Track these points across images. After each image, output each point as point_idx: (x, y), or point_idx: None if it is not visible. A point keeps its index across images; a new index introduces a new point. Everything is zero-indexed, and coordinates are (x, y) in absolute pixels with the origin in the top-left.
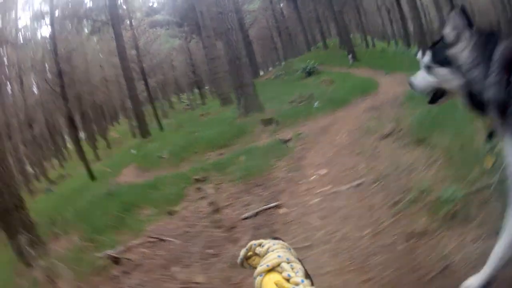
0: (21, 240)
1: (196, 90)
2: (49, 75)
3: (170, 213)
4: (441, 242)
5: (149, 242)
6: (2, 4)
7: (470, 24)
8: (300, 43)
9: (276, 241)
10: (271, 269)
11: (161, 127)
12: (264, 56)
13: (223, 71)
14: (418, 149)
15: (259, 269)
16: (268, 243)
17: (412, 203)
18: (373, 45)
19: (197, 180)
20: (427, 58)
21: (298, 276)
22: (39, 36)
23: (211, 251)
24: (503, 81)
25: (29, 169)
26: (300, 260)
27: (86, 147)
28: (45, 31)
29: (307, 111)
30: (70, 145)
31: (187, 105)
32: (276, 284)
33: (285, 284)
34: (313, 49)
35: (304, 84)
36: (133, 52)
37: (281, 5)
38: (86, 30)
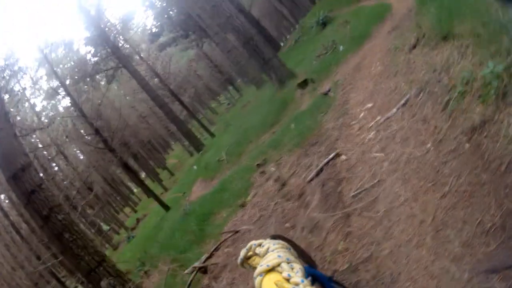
0: (107, 285)
1: (230, 87)
2: (88, 138)
3: (243, 205)
4: (503, 125)
5: (229, 239)
6: (11, 100)
7: None
8: (303, 0)
9: (276, 241)
10: (271, 269)
11: (211, 135)
12: (277, 29)
13: (244, 57)
14: (447, 45)
15: (259, 269)
16: (268, 243)
17: (461, 97)
18: None
19: (259, 165)
20: None
21: (298, 276)
22: (61, 109)
23: (287, 224)
24: None
25: (105, 227)
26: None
27: (151, 184)
28: (64, 102)
29: (335, 58)
30: (136, 188)
31: (228, 104)
32: (276, 284)
33: (285, 284)
34: (317, 0)
35: (323, 35)
36: (156, 80)
37: None
38: (102, 83)
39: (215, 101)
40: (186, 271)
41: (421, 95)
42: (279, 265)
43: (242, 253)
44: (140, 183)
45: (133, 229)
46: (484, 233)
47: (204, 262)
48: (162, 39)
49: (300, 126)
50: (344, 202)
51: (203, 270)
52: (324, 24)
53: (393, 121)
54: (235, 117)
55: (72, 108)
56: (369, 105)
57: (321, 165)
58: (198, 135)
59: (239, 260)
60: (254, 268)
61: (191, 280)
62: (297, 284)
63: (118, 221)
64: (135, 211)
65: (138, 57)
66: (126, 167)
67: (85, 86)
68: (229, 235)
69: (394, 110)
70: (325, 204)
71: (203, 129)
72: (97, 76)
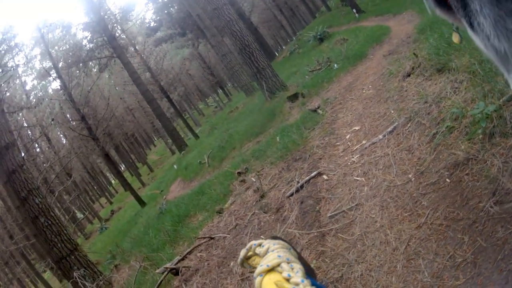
0: (78, 276)
1: (219, 91)
2: (73, 123)
3: (220, 212)
4: (486, 165)
5: (203, 244)
6: (3, 75)
7: None
8: (303, 13)
9: (276, 241)
10: (271, 269)
11: (195, 136)
12: (274, 38)
13: (238, 63)
14: (441, 77)
15: (259, 269)
16: (268, 243)
17: (448, 132)
18: None
19: (240, 174)
20: None
21: (298, 276)
22: (50, 91)
23: (263, 237)
24: None
25: (79, 215)
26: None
27: (129, 178)
28: (55, 84)
29: (328, 76)
30: (114, 180)
31: (215, 107)
32: (276, 284)
33: (285, 284)
34: (317, 15)
35: (319, 51)
36: (148, 74)
37: None
38: (94, 70)
39: (203, 103)
40: (157, 271)
41: (409, 124)
42: (279, 265)
43: (242, 253)
44: (119, 175)
45: (106, 220)
46: (454, 267)
47: (176, 264)
48: (159, 34)
49: (285, 139)
50: (321, 221)
51: (175, 271)
52: (321, 39)
53: (378, 147)
54: (221, 121)
55: (61, 91)
56: (356, 127)
57: (302, 182)
58: (182, 135)
59: (239, 260)
60: (254, 268)
61: (161, 281)
62: (297, 284)
63: (93, 210)
64: (111, 203)
65: (133, 49)
66: (107, 158)
67: (77, 71)
68: (204, 240)
69: (381, 136)
70: (302, 221)
71: (188, 129)
72: (90, 63)
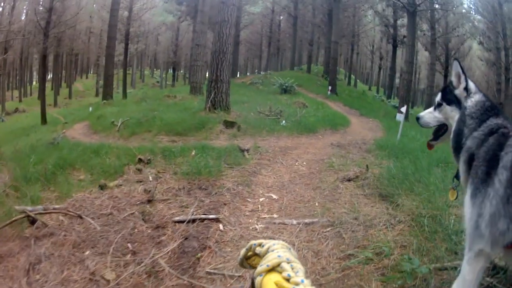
0: None
1: (170, 71)
2: (40, 7)
3: (102, 187)
4: None
5: (70, 213)
6: None
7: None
8: (285, 60)
9: (276, 241)
10: (271, 269)
11: (125, 95)
12: (246, 60)
13: (204, 61)
14: (381, 204)
15: (259, 269)
16: (268, 243)
17: (365, 262)
18: (355, 85)
19: (141, 161)
20: (438, 96)
21: (298, 276)
22: None
23: (130, 246)
24: (480, 140)
25: None
26: None
27: (49, 90)
28: None
29: (272, 127)
30: (35, 82)
31: (157, 82)
32: (276, 284)
33: (285, 284)
34: (296, 69)
35: (277, 99)
36: (125, 13)
37: (281, 17)
38: None
39: (149, 71)
40: (17, 208)
41: (328, 229)
42: (279, 265)
43: (242, 252)
44: (42, 81)
45: (8, 114)
46: None
47: (37, 214)
48: None
49: (201, 160)
50: (196, 272)
51: (31, 220)
52: (285, 91)
53: (287, 231)
54: (154, 99)
55: None
56: (274, 196)
57: (196, 216)
58: (114, 85)
59: (238, 260)
60: (254, 268)
61: (14, 220)
62: (297, 284)
63: (4, 96)
64: (20, 100)
65: None
66: (43, 58)
67: None
68: (71, 210)
69: (295, 222)
70: (178, 259)
71: (122, 84)
72: None
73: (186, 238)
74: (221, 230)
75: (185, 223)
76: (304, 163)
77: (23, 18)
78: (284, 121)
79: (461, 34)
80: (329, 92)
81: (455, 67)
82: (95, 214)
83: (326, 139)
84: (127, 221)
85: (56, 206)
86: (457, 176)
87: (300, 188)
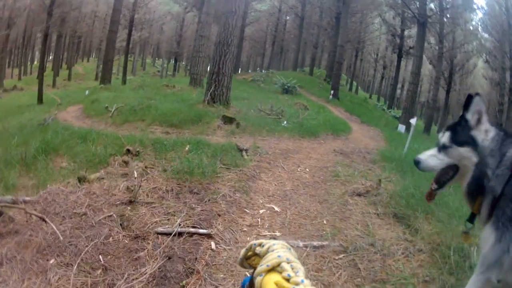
0: None
1: (172, 61)
2: None
3: (81, 180)
4: None
5: (40, 204)
6: None
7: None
8: (288, 60)
9: (276, 241)
10: (271, 269)
11: (124, 81)
12: (249, 57)
13: (206, 53)
14: (397, 227)
15: (259, 269)
16: (268, 243)
17: None
18: (356, 91)
19: (129, 152)
20: (445, 137)
21: (298, 276)
22: None
23: (102, 259)
24: (505, 177)
25: None
26: None
27: (49, 71)
28: None
29: (273, 126)
30: (36, 62)
31: (158, 71)
32: (276, 284)
33: (285, 284)
34: (299, 70)
35: (278, 99)
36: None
37: (287, 17)
38: None
39: (152, 60)
40: None
41: (341, 256)
42: (279, 265)
43: (242, 252)
44: (41, 60)
45: (5, 90)
46: None
47: (4, 205)
48: None
49: (194, 157)
50: None
51: None
52: (286, 91)
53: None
54: (152, 87)
55: None
56: (276, 208)
57: (184, 229)
58: (115, 71)
59: (238, 260)
60: (254, 268)
61: None
62: (297, 284)
63: (3, 72)
64: (19, 78)
65: None
66: (45, 38)
67: None
68: (35, 213)
69: (301, 243)
70: (157, 284)
71: (123, 71)
72: None
73: (169, 258)
74: (212, 250)
75: (170, 236)
76: (307, 169)
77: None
78: (285, 122)
79: (468, 50)
80: (330, 96)
81: (476, 104)
82: (67, 212)
83: (328, 145)
84: (102, 225)
85: (27, 198)
86: (470, 219)
87: (304, 200)
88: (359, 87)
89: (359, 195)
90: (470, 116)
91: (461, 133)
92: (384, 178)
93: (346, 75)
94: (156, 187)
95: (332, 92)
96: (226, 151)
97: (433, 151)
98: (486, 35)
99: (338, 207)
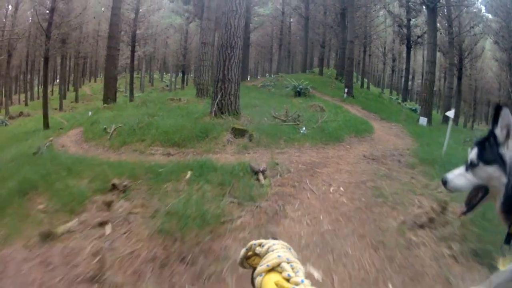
0: None
1: (180, 74)
2: (43, 9)
3: (43, 237)
4: None
5: None
6: None
7: None
8: (296, 63)
9: (276, 241)
10: (271, 269)
11: (130, 99)
12: (256, 64)
13: (210, 60)
14: (479, 268)
15: (259, 269)
16: (268, 243)
17: None
18: (368, 87)
19: (114, 187)
20: (473, 154)
21: (298, 276)
22: None
23: None
24: None
25: None
26: None
27: (57, 94)
28: None
29: (291, 135)
30: (42, 86)
31: (167, 85)
32: (276, 284)
33: (285, 284)
34: (308, 72)
35: (291, 103)
36: (132, 15)
37: (292, 20)
38: None
39: (159, 75)
40: None
41: None
42: (279, 265)
43: (242, 252)
44: (44, 84)
45: (11, 118)
46: None
47: None
48: None
49: (195, 190)
50: None
51: None
52: (299, 93)
53: None
54: (155, 102)
55: None
56: (316, 274)
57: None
58: (122, 89)
59: (238, 260)
60: (254, 268)
61: None
62: (297, 284)
63: (7, 99)
64: (26, 104)
65: None
66: (46, 61)
67: None
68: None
69: None
70: None
71: (129, 88)
72: None
73: None
74: None
75: None
76: (342, 188)
77: (29, 20)
78: (304, 128)
79: (476, 33)
80: (345, 95)
81: (505, 118)
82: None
83: (355, 150)
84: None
85: None
86: (507, 241)
87: (353, 247)
88: (369, 83)
89: (421, 226)
90: (499, 131)
91: (489, 150)
92: (439, 192)
93: (355, 72)
94: (134, 251)
95: (346, 90)
96: (237, 176)
97: (461, 169)
98: (490, 16)
99: (402, 254)
